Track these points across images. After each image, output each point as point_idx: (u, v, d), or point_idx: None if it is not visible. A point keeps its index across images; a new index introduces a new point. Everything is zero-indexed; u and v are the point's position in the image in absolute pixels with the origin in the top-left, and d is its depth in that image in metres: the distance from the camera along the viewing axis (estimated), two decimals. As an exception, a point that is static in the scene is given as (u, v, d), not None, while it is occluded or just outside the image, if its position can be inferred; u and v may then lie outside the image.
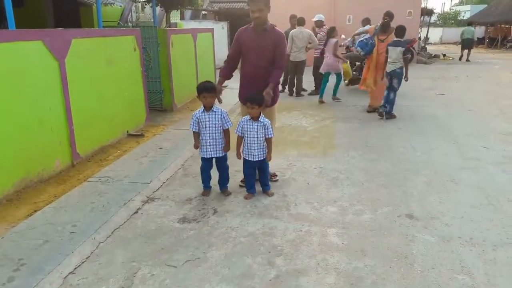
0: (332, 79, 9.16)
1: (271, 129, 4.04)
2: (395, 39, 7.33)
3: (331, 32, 9.02)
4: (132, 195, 4.07)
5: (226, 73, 4.51)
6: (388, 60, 7.32)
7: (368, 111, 8.06)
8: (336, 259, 3.05)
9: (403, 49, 7.16)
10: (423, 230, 3.45)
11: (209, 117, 4.06)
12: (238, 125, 4.08)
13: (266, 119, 4.05)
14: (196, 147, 4.20)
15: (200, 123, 4.08)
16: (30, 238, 3.25)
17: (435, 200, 4.05)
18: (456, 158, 5.26)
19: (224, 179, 4.29)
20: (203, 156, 4.17)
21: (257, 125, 3.98)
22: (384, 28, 7.77)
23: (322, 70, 9.19)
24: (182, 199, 4.15)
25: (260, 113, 4.02)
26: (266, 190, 4.20)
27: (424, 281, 2.78)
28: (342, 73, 9.38)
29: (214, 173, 4.27)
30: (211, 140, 4.10)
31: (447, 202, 3.99)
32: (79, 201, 3.93)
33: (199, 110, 4.10)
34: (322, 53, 9.25)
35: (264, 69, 4.31)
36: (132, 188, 4.25)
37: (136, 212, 3.87)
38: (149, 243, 3.31)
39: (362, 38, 8.04)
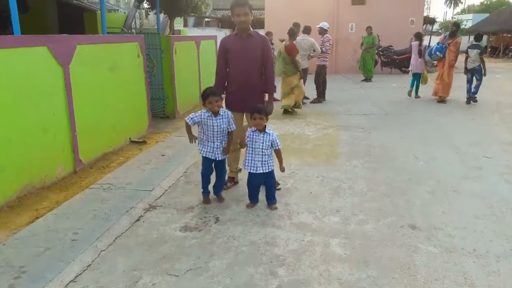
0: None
1: (278, 140, 4.01)
2: (474, 43, 9.84)
3: (419, 37, 10.87)
4: (134, 203, 4.07)
5: (220, 88, 4.44)
6: (468, 59, 9.76)
7: (438, 101, 10.06)
8: (338, 269, 3.03)
9: (479, 50, 9.57)
10: (426, 241, 3.43)
11: (217, 122, 4.03)
12: (246, 137, 4.00)
13: (271, 131, 4.03)
14: (192, 139, 4.08)
15: (206, 126, 4.02)
16: (32, 245, 3.24)
17: (438, 210, 4.03)
18: (459, 168, 5.25)
19: (221, 183, 4.33)
20: (211, 158, 4.10)
21: (263, 137, 3.95)
22: (451, 35, 10.09)
23: (412, 70, 11.00)
24: (184, 207, 4.14)
25: (266, 124, 4.00)
26: (271, 204, 4.11)
27: (427, 293, 2.76)
28: (421, 74, 10.78)
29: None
30: (218, 143, 4.10)
31: (450, 213, 3.97)
32: (81, 208, 3.93)
33: (206, 113, 4.01)
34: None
35: (253, 73, 4.36)
36: (134, 196, 4.24)
37: (138, 220, 3.86)
38: (150, 252, 3.30)
39: (436, 45, 10.25)
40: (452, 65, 9.97)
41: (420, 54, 10.64)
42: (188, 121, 4.05)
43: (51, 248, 3.20)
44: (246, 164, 4.03)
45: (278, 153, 4.06)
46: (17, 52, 4.11)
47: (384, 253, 3.25)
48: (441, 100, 10.05)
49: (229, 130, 4.15)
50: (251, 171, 4.01)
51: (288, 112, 8.77)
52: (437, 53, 9.95)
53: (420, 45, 10.70)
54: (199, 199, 4.29)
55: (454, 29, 10.19)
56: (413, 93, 10.82)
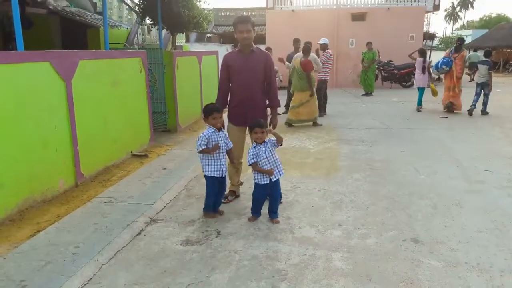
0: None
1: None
2: (484, 59, 10.49)
3: (424, 53, 11.24)
4: (135, 216, 4.06)
5: (222, 103, 4.51)
6: (477, 74, 10.42)
7: (445, 108, 10.71)
8: (341, 284, 3.00)
9: (488, 66, 10.06)
10: (428, 255, 3.40)
11: (221, 137, 4.09)
12: (252, 154, 3.93)
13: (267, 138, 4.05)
14: (217, 148, 4.03)
15: (212, 143, 4.02)
16: (33, 259, 3.22)
17: (440, 224, 4.01)
18: (461, 182, 5.23)
19: (221, 199, 4.35)
20: (220, 176, 4.10)
21: (264, 147, 3.97)
22: (456, 49, 10.58)
23: (415, 85, 11.67)
24: (185, 221, 4.13)
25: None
26: (273, 218, 4.09)
27: (431, 308, 2.72)
28: (424, 88, 11.25)
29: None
30: (224, 160, 4.13)
31: (453, 226, 3.95)
32: (82, 222, 3.92)
33: (210, 130, 4.03)
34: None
35: (255, 88, 4.42)
36: (135, 209, 4.23)
37: (139, 233, 3.84)
38: (151, 266, 3.28)
39: (441, 59, 10.76)
40: (459, 77, 10.54)
41: (424, 70, 11.04)
42: (200, 149, 3.99)
43: (52, 262, 3.18)
44: (257, 177, 4.00)
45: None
46: (20, 67, 4.15)
47: (386, 267, 3.22)
48: (448, 107, 10.58)
49: (228, 148, 4.20)
50: (260, 183, 3.99)
51: (291, 125, 8.93)
52: (443, 66, 10.52)
53: (424, 61, 11.08)
54: (200, 213, 4.28)
55: (459, 43, 10.72)
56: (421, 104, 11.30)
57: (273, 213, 4.10)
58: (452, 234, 3.79)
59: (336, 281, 3.04)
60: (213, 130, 4.05)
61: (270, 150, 3.98)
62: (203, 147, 3.99)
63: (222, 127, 4.29)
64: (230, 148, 4.24)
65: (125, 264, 3.31)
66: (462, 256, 3.39)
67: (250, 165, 3.96)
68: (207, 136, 4.00)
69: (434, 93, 11.19)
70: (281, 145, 4.04)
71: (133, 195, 4.64)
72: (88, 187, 4.99)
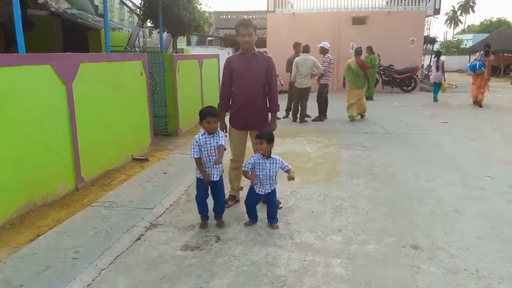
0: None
1: (284, 162, 3.97)
2: None
3: (439, 54, 14.03)
4: (135, 221, 4.06)
5: (225, 107, 4.51)
6: None
7: (477, 105, 12.61)
8: (340, 290, 3.00)
9: None
10: (428, 262, 3.40)
11: (210, 141, 3.90)
12: (248, 162, 3.93)
13: (276, 156, 4.00)
14: (207, 178, 3.96)
15: (202, 147, 3.89)
16: (32, 263, 3.23)
17: (440, 230, 4.01)
18: (461, 187, 5.23)
19: (221, 206, 4.17)
20: (210, 180, 3.98)
21: (269, 163, 3.93)
22: (486, 54, 12.51)
23: (431, 80, 14.67)
24: (185, 226, 4.13)
25: (271, 150, 3.97)
26: (272, 223, 4.07)
27: (430, 315, 2.72)
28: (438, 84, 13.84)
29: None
30: (212, 164, 3.95)
31: (452, 233, 3.95)
32: (82, 226, 3.92)
33: (200, 134, 3.91)
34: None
35: (257, 92, 4.42)
36: (135, 214, 4.23)
37: (139, 238, 3.84)
38: (151, 271, 3.28)
39: (475, 62, 12.70)
40: (488, 78, 12.68)
41: (438, 68, 13.59)
42: (194, 155, 3.91)
43: (51, 267, 3.18)
44: (257, 187, 3.99)
45: (290, 172, 3.99)
46: (21, 70, 4.15)
47: (386, 274, 3.22)
48: (480, 105, 12.48)
49: (219, 144, 3.94)
50: (256, 192, 4.00)
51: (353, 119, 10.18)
52: (482, 68, 12.42)
53: (437, 61, 13.61)
54: (199, 218, 4.26)
55: (486, 49, 12.58)
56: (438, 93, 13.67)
57: (272, 219, 4.10)
58: (452, 240, 3.79)
59: (336, 287, 3.04)
60: (202, 133, 3.90)
61: (276, 170, 3.95)
62: (196, 156, 3.89)
63: (225, 130, 4.28)
64: (221, 144, 3.95)
65: (125, 269, 3.31)
66: (462, 262, 3.39)
67: (242, 171, 4.01)
68: (196, 142, 3.87)
69: (443, 89, 13.56)
70: (293, 179, 4.00)
71: (133, 199, 4.64)
72: (88, 191, 5.00)
